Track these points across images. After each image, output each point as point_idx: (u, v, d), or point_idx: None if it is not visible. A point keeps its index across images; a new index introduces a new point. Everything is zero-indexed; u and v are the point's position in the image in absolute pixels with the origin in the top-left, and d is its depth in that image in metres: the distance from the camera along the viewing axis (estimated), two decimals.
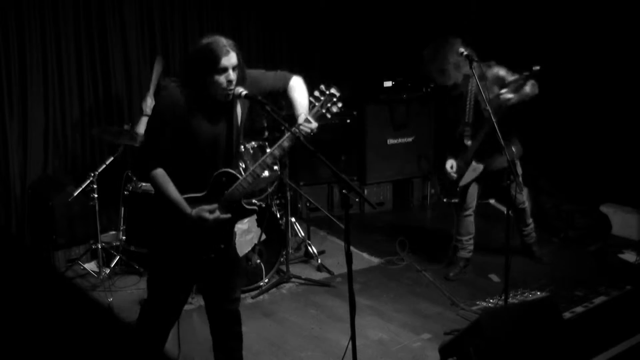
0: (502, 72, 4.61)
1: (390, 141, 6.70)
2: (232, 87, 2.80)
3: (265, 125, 5.54)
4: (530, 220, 5.16)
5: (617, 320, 4.22)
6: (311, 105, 2.95)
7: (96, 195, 4.72)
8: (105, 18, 5.57)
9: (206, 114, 2.86)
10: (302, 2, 6.82)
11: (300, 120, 2.92)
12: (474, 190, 4.91)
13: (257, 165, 2.96)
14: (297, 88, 3.10)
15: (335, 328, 4.21)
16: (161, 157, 2.83)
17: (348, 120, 6.56)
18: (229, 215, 2.92)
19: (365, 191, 6.62)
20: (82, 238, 5.12)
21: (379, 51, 7.09)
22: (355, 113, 6.60)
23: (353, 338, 2.88)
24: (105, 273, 4.86)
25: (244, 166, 4.89)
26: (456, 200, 4.90)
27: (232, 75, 2.80)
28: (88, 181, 4.73)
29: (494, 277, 4.96)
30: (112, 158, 4.91)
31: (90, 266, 5.08)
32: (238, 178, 2.94)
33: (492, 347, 3.10)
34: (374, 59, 7.06)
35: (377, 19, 7.10)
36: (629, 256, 5.27)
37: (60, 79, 5.40)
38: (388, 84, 6.75)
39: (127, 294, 4.73)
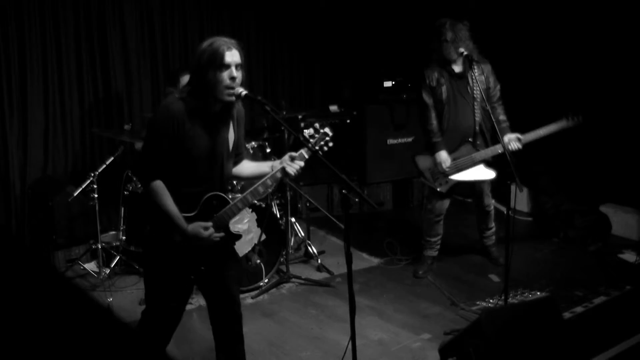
0: (492, 76, 4.76)
1: (390, 141, 6.71)
2: (236, 86, 2.80)
3: (266, 125, 5.55)
4: (492, 225, 5.22)
5: (617, 320, 4.22)
6: (306, 142, 3.01)
7: (96, 195, 4.72)
8: (105, 18, 5.57)
9: (204, 127, 2.86)
10: (302, 3, 6.82)
11: (297, 153, 2.97)
12: (447, 201, 4.98)
13: (248, 192, 2.97)
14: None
15: (335, 328, 4.21)
16: (160, 169, 2.83)
17: (348, 120, 6.56)
18: (222, 234, 2.93)
19: (365, 191, 6.62)
20: (82, 238, 5.13)
21: (379, 51, 7.10)
22: (355, 113, 6.61)
23: (353, 338, 2.88)
24: (105, 273, 4.86)
25: None
26: (442, 189, 4.88)
27: (235, 72, 2.80)
28: (88, 181, 4.73)
29: (494, 277, 4.97)
30: (112, 158, 4.91)
31: (90, 266, 5.08)
32: (229, 202, 2.96)
33: (492, 347, 3.10)
34: (374, 59, 7.07)
35: (377, 19, 7.10)
36: (629, 256, 5.27)
37: (60, 79, 5.41)
38: (388, 84, 6.75)
39: (127, 294, 4.73)
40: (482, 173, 4.79)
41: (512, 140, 4.56)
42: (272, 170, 3.00)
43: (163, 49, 5.98)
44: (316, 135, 3.02)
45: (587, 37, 5.87)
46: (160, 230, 2.89)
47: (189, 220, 2.88)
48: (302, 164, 2.97)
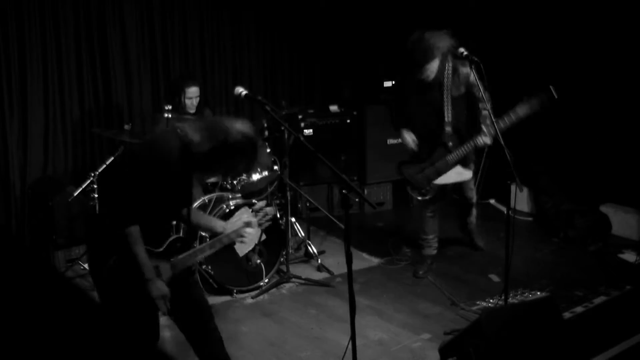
0: (472, 77, 4.55)
1: (390, 141, 6.69)
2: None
3: (266, 125, 5.55)
4: (474, 215, 5.29)
5: (617, 320, 4.22)
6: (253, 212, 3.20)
7: (96, 195, 4.72)
8: (105, 18, 5.57)
9: (188, 166, 2.88)
10: (302, 3, 6.82)
11: (252, 220, 3.12)
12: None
13: (207, 244, 3.06)
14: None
15: (335, 328, 4.21)
16: (140, 213, 2.75)
17: (348, 120, 6.56)
18: (165, 309, 2.88)
19: (365, 191, 6.61)
20: (82, 238, 5.12)
21: (379, 51, 7.09)
22: (355, 113, 6.60)
23: (353, 338, 2.88)
24: None
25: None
26: (429, 197, 4.87)
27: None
28: (88, 181, 4.73)
29: (494, 277, 4.96)
30: (112, 158, 4.91)
31: None
32: (190, 248, 3.01)
33: (492, 347, 3.10)
34: (374, 59, 7.06)
35: (377, 19, 7.10)
36: (629, 256, 5.27)
37: (60, 79, 5.41)
38: (388, 84, 6.74)
39: None
40: (459, 175, 4.79)
41: (480, 136, 4.52)
42: (224, 229, 3.09)
43: (163, 49, 5.98)
44: (259, 213, 3.18)
45: (586, 35, 5.87)
46: (127, 264, 2.81)
47: (154, 255, 2.86)
48: (252, 231, 3.10)
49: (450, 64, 4.60)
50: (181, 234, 3.01)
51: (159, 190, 2.79)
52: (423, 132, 4.82)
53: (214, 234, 3.17)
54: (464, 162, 4.77)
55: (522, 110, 4.32)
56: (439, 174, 4.77)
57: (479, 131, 4.58)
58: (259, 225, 3.15)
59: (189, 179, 2.97)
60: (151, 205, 2.80)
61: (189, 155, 2.82)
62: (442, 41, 4.44)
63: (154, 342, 3.02)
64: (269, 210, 3.18)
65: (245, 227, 3.05)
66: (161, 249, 2.90)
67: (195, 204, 4.60)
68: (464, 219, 5.35)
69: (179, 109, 5.09)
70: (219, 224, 3.12)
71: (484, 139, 4.53)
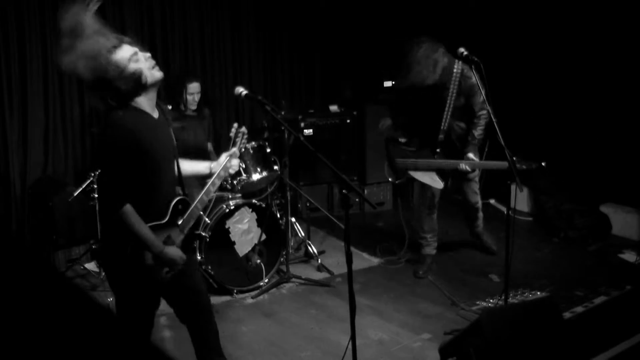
0: (473, 79, 4.51)
1: None
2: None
3: (266, 125, 5.55)
4: (480, 214, 5.25)
5: (617, 320, 4.22)
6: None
7: (96, 195, 4.72)
8: (105, 17, 5.55)
9: (156, 131, 2.87)
10: (302, 2, 6.83)
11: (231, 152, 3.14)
12: (436, 191, 4.92)
13: (203, 193, 3.05)
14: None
15: (335, 328, 4.21)
16: (129, 191, 2.76)
17: (348, 120, 6.56)
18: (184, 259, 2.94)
19: (365, 191, 6.62)
20: (82, 238, 5.13)
21: (379, 51, 7.10)
22: (355, 113, 6.61)
23: (353, 338, 2.89)
24: None
25: (244, 166, 4.91)
26: (398, 181, 4.89)
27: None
28: (88, 181, 4.73)
29: (494, 277, 4.96)
30: None
31: (90, 266, 5.09)
32: (190, 205, 3.01)
33: (492, 347, 3.10)
34: (374, 59, 7.07)
35: (377, 19, 7.10)
36: (629, 256, 5.27)
37: (60, 79, 5.41)
38: (388, 84, 6.75)
39: None
40: (433, 181, 4.74)
41: (465, 162, 4.54)
42: (211, 170, 3.12)
43: (163, 48, 5.98)
44: (237, 138, 3.18)
45: (586, 35, 5.87)
46: (141, 250, 2.84)
47: (162, 227, 2.86)
48: (236, 161, 3.15)
49: (460, 67, 4.57)
50: (179, 195, 2.99)
51: (141, 159, 2.78)
52: (418, 124, 4.83)
53: (202, 179, 3.21)
54: (441, 172, 4.75)
55: (510, 166, 4.00)
56: (417, 169, 4.77)
57: (466, 146, 4.62)
58: (240, 148, 3.19)
59: (166, 133, 2.94)
60: (142, 176, 2.80)
61: (148, 117, 2.85)
62: (441, 55, 4.53)
63: (150, 331, 3.06)
64: (243, 129, 3.20)
65: (230, 160, 3.11)
66: (167, 219, 2.89)
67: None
68: (472, 224, 5.28)
69: (180, 106, 5.11)
70: (203, 166, 3.18)
71: (466, 167, 4.55)
